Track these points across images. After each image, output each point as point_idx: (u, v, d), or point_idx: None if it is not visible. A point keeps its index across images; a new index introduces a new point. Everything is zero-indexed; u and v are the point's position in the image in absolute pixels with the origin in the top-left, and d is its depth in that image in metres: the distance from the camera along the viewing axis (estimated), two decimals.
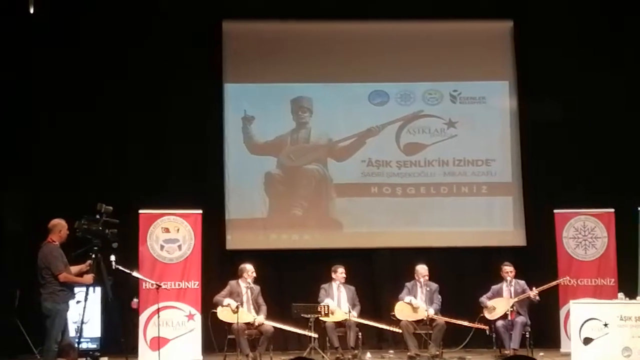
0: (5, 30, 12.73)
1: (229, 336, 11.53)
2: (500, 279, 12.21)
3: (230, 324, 11.47)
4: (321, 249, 13.39)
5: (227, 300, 11.60)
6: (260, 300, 11.91)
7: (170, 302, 12.03)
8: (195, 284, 12.23)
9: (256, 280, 11.95)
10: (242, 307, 11.49)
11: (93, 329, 12.05)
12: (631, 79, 13.47)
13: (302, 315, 11.50)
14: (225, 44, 13.81)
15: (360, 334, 11.84)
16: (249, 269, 11.86)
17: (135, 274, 11.03)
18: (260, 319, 11.62)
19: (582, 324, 10.81)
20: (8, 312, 12.05)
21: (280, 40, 14.00)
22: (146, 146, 13.40)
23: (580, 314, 10.92)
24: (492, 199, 13.86)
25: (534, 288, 11.89)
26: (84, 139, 13.07)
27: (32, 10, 11.96)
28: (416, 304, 12.03)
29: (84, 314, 9.61)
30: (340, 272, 12.28)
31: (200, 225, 12.37)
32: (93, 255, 9.49)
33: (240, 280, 11.84)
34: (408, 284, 12.30)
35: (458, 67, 13.97)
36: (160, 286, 11.30)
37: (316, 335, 11.51)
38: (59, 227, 9.72)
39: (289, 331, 11.95)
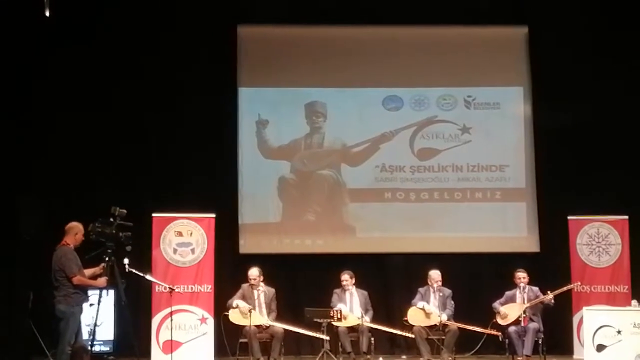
0: (22, 33, 12.78)
1: (241, 340, 11.56)
2: (513, 285, 12.18)
3: (242, 327, 11.51)
4: (334, 253, 13.37)
5: (236, 302, 11.63)
6: (274, 305, 11.92)
7: (183, 306, 12.08)
8: (208, 288, 12.26)
9: (270, 284, 11.99)
10: (254, 311, 11.53)
11: (106, 331, 12.10)
12: None
13: (314, 319, 11.51)
14: (240, 48, 13.82)
15: (372, 339, 11.82)
16: (250, 275, 11.90)
17: (148, 277, 11.06)
18: (269, 321, 11.64)
19: (595, 331, 10.78)
20: (22, 314, 12.08)
21: (294, 44, 14.02)
22: (160, 150, 13.41)
23: (593, 320, 10.89)
24: (505, 205, 13.82)
25: (548, 292, 11.85)
26: (98, 142, 13.08)
27: (47, 13, 12.02)
28: (429, 309, 12.02)
29: (97, 316, 9.64)
30: (343, 280, 12.22)
31: (213, 229, 12.42)
32: (107, 258, 9.50)
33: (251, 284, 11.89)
34: (421, 290, 12.29)
35: (472, 73, 13.97)
36: (173, 289, 11.33)
37: (327, 338, 11.51)
38: (75, 230, 9.72)
39: (302, 335, 11.98)
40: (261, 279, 11.94)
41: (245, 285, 11.89)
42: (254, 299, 11.75)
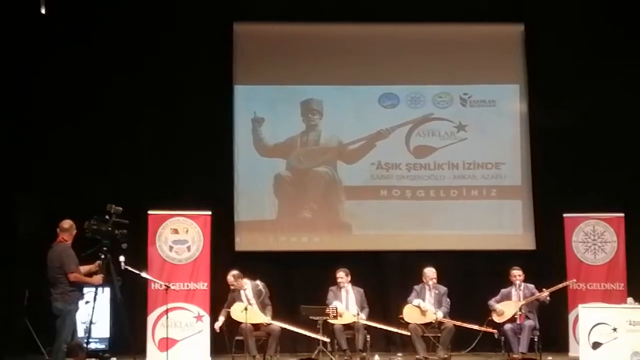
0: (19, 32, 12.75)
1: (237, 337, 11.55)
2: (509, 282, 12.19)
3: (238, 325, 11.50)
4: (330, 251, 13.38)
5: (219, 321, 11.62)
6: (267, 299, 11.90)
7: (178, 303, 12.09)
8: (204, 285, 12.27)
9: (265, 281, 11.99)
10: (251, 307, 11.51)
11: (102, 329, 12.10)
12: None
13: (310, 317, 11.50)
14: (236, 46, 13.81)
15: (368, 336, 11.80)
16: (227, 281, 11.83)
17: (144, 274, 11.06)
18: (267, 319, 11.64)
19: (591, 329, 10.77)
20: (18, 312, 12.07)
21: (290, 42, 14.01)
22: (156, 147, 13.41)
23: (589, 318, 10.88)
24: (501, 203, 13.83)
25: (544, 289, 11.86)
26: (95, 140, 13.07)
27: (43, 11, 12.00)
28: (424, 307, 12.03)
29: (93, 314, 9.60)
30: (339, 277, 12.24)
31: (209, 226, 12.41)
32: (102, 256, 9.44)
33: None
34: (417, 287, 12.29)
35: (468, 70, 13.96)
36: (169, 287, 11.32)
37: (327, 340, 11.51)
38: (73, 228, 9.70)
39: (298, 333, 11.97)
40: (241, 281, 11.81)
41: (232, 288, 11.88)
42: (242, 300, 11.72)
